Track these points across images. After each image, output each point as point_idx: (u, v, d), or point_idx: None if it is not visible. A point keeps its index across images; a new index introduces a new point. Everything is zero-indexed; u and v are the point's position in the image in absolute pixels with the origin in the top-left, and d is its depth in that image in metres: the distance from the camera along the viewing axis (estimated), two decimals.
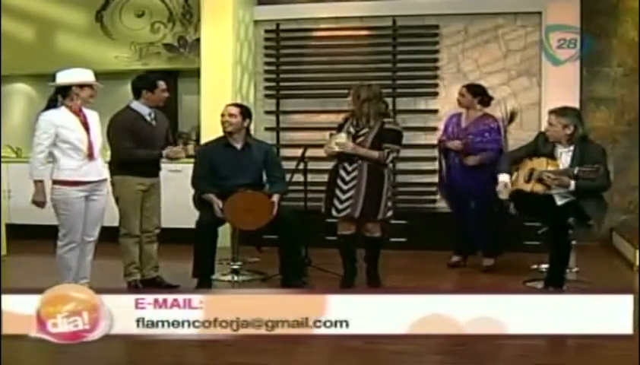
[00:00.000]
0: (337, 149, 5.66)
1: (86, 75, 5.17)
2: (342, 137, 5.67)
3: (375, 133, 5.69)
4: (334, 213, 5.75)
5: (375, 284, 5.78)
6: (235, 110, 5.96)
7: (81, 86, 5.10)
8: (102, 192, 5.28)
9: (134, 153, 5.61)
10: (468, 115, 6.45)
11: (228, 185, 5.80)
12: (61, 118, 5.04)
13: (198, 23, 8.13)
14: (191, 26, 8.39)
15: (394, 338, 4.20)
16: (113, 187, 5.67)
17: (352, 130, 5.75)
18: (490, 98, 6.55)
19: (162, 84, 5.75)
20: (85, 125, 5.12)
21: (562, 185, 5.36)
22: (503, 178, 5.62)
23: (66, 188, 5.07)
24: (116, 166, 5.65)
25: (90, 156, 5.10)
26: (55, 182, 5.11)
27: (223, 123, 5.91)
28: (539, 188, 5.52)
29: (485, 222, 6.33)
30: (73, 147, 5.05)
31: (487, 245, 6.50)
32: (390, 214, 5.83)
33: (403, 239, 7.42)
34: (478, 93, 6.45)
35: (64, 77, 5.14)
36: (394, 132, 5.76)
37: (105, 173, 5.31)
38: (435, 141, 7.12)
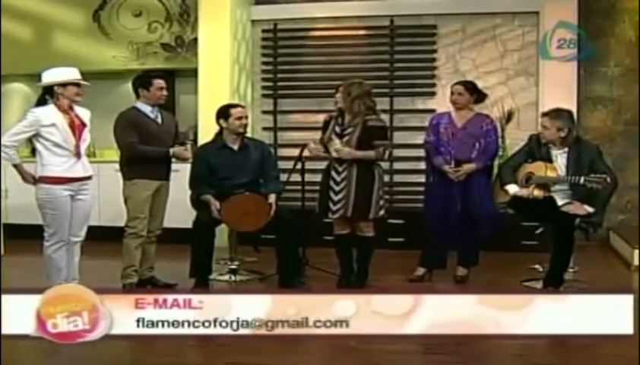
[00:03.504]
0: (335, 155, 5.66)
1: (69, 74, 5.13)
2: (337, 143, 5.65)
3: (359, 131, 5.65)
4: (329, 214, 5.75)
5: (358, 284, 5.75)
6: (246, 111, 6.05)
7: (64, 85, 5.06)
8: (89, 190, 5.24)
9: (139, 148, 5.60)
10: (461, 115, 6.01)
11: (226, 185, 5.80)
12: (48, 116, 5.01)
13: (195, 23, 8.12)
14: (188, 26, 8.38)
15: (393, 337, 4.22)
16: (124, 187, 5.70)
17: (337, 130, 5.74)
18: (485, 95, 6.15)
19: (158, 82, 5.74)
20: (72, 125, 5.07)
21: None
22: (513, 189, 5.63)
23: (51, 187, 5.03)
24: (127, 167, 5.69)
25: (77, 155, 5.09)
26: (40, 179, 5.07)
27: (240, 126, 5.90)
28: (538, 193, 5.53)
29: (486, 230, 5.99)
30: (57, 145, 5.02)
31: (467, 255, 6.10)
32: (382, 212, 5.79)
33: (400, 239, 7.41)
34: (475, 91, 6.04)
35: (48, 77, 5.12)
36: (379, 128, 5.72)
37: (90, 170, 5.26)
38: None
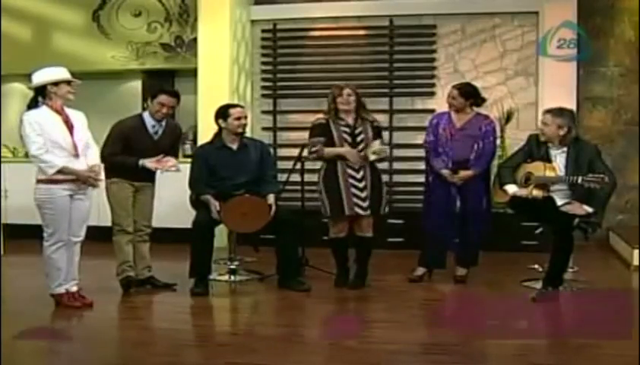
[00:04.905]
0: (373, 157, 5.71)
1: (59, 73, 5.13)
2: (376, 144, 5.74)
3: (370, 131, 5.81)
4: (359, 211, 5.69)
5: (359, 284, 5.81)
6: (245, 111, 6.05)
7: (56, 83, 5.07)
8: (87, 190, 5.24)
9: (112, 159, 5.57)
10: (460, 115, 6.02)
11: (226, 185, 5.80)
12: (43, 117, 5.02)
13: (194, 23, 8.11)
14: (188, 26, 8.37)
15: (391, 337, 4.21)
16: (105, 186, 5.67)
17: (348, 130, 5.80)
18: (483, 99, 6.12)
19: (161, 98, 5.68)
20: (67, 124, 5.09)
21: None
22: (512, 189, 5.64)
23: (51, 187, 5.04)
24: (107, 167, 5.66)
25: (75, 155, 5.09)
26: (39, 181, 5.07)
27: (239, 126, 5.89)
28: (538, 193, 5.53)
29: (479, 230, 5.99)
30: (56, 146, 5.02)
31: (467, 255, 6.09)
32: (387, 209, 5.96)
33: (400, 239, 7.41)
34: (470, 96, 6.02)
35: (39, 78, 5.12)
36: (379, 129, 5.97)
37: None
38: None
